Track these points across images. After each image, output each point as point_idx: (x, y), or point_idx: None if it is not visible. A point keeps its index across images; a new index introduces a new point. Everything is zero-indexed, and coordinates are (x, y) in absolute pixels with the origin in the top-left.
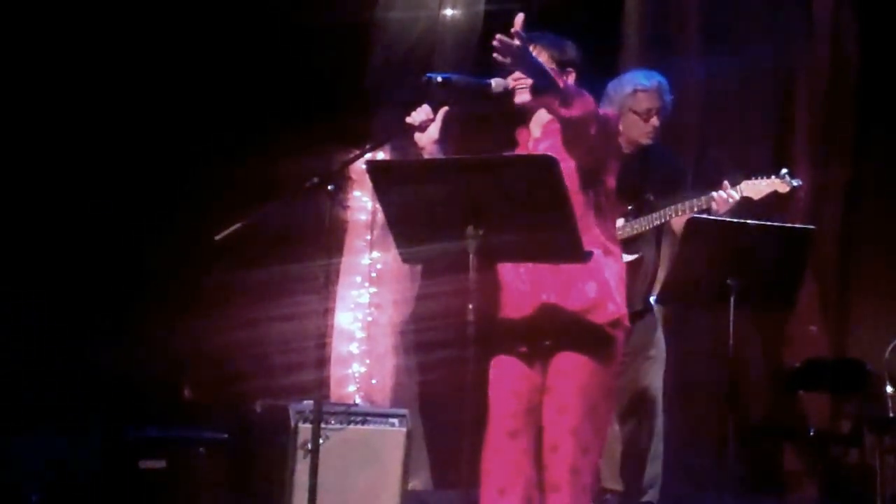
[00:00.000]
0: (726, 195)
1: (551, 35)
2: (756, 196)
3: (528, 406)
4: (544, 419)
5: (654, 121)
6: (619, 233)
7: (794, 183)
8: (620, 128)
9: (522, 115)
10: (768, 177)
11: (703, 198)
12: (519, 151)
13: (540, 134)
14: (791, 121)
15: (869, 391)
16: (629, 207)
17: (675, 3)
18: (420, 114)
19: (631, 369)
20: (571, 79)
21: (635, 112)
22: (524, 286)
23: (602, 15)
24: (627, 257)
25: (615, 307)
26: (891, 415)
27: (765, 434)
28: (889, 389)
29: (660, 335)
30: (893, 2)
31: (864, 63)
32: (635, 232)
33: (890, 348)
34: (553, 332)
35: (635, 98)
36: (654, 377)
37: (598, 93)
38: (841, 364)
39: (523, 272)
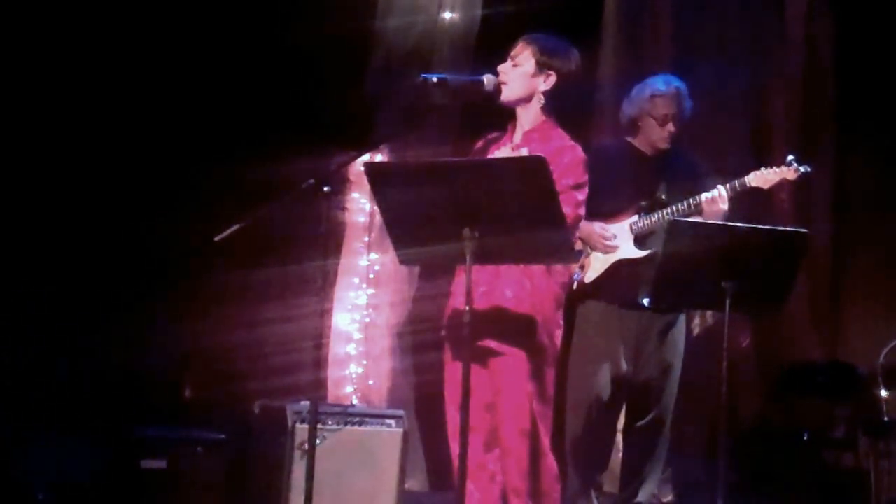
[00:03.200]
0: (711, 196)
1: (546, 37)
2: (765, 185)
3: (482, 403)
4: (495, 420)
5: (671, 126)
6: (633, 228)
7: (803, 169)
8: (640, 129)
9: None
10: (777, 167)
11: (697, 197)
12: (502, 146)
13: (521, 139)
14: (768, 128)
15: (862, 394)
16: (642, 204)
17: (650, 11)
18: None
19: (649, 365)
20: (550, 81)
21: (653, 117)
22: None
23: (582, 22)
24: (640, 252)
25: (543, 318)
26: (885, 418)
27: (757, 438)
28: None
29: (679, 334)
30: (866, 7)
31: (839, 67)
32: (647, 228)
33: (885, 352)
34: (497, 333)
35: (653, 103)
36: (672, 380)
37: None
38: (833, 367)
39: (478, 273)
